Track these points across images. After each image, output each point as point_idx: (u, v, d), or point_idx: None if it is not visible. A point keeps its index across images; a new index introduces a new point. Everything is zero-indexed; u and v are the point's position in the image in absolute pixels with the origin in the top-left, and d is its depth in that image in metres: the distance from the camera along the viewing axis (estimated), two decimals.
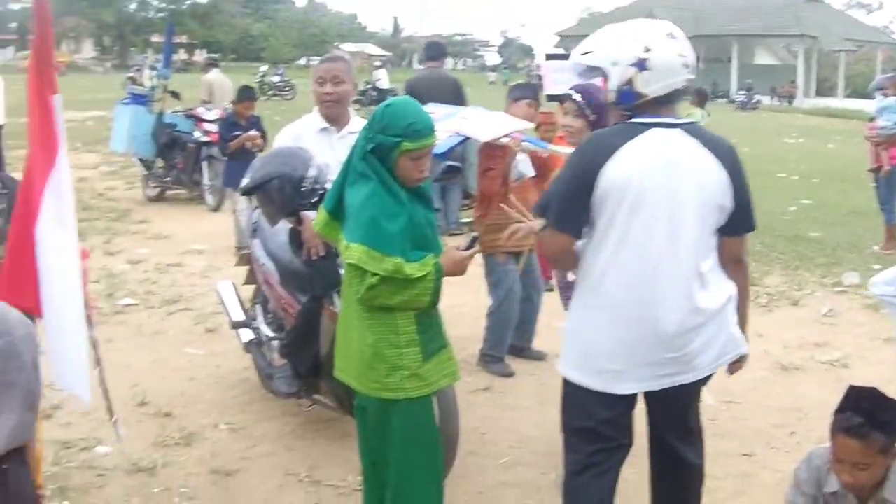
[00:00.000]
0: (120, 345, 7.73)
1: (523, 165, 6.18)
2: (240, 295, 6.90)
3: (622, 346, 3.87)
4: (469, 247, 4.29)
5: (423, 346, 4.11)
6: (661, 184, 3.75)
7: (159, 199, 15.55)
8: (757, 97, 53.63)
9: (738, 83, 58.68)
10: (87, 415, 6.10)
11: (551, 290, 6.91)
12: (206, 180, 14.82)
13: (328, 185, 4.60)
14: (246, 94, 12.24)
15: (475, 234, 4.69)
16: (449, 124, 6.50)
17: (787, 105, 56.75)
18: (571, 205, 3.84)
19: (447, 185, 11.86)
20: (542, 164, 6.88)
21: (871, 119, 13.47)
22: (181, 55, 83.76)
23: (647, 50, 3.74)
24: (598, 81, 3.97)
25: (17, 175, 5.26)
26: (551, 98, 7.74)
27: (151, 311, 8.94)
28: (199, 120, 15.01)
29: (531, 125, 7.13)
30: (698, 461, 4.32)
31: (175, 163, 15.18)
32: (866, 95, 31.64)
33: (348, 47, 72.32)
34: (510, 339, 7.47)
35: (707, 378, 4.04)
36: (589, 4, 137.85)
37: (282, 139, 5.88)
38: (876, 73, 42.78)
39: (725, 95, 58.01)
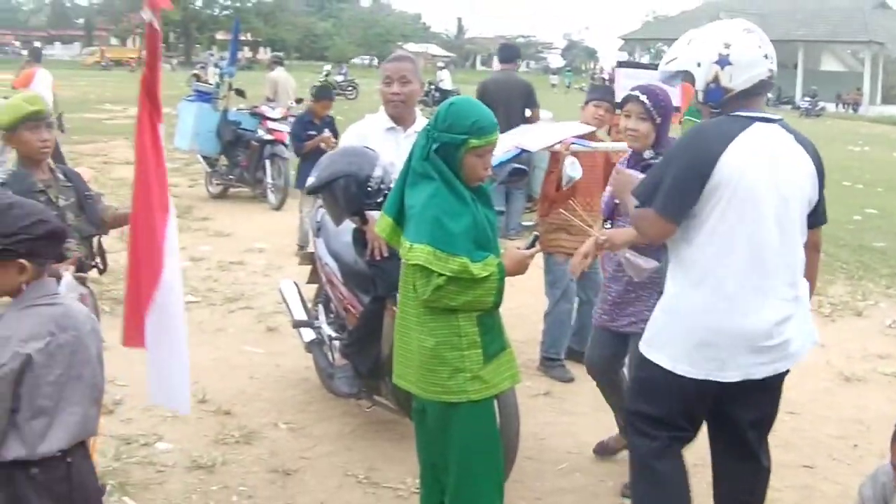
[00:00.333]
0: None
1: (570, 168, 6.13)
2: (302, 294, 6.89)
3: (727, 334, 3.94)
4: (530, 246, 4.27)
5: (485, 347, 4.06)
6: (769, 177, 3.87)
7: (222, 196, 15.61)
8: (822, 104, 53.11)
9: (802, 89, 58.15)
10: (147, 411, 6.13)
11: None
12: (268, 178, 14.85)
13: (393, 185, 4.57)
14: (324, 94, 12.20)
15: (536, 233, 4.64)
16: (507, 139, 6.48)
17: (853, 112, 56.20)
18: (682, 193, 3.91)
19: (512, 189, 11.81)
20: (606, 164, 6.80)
21: None
22: (245, 53, 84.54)
23: (727, 46, 3.91)
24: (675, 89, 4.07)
25: (78, 168, 5.30)
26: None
27: (213, 308, 8.97)
28: (263, 118, 15.03)
29: (591, 129, 7.02)
30: (768, 465, 4.37)
31: (238, 160, 15.21)
32: None
33: (411, 47, 72.51)
34: (569, 344, 7.42)
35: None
36: (654, 7, 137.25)
37: (348, 138, 5.88)
38: None
39: (790, 102, 57.52)
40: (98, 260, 5.05)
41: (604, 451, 5.85)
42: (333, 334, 6.34)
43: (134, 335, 4.22)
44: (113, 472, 5.40)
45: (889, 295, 10.41)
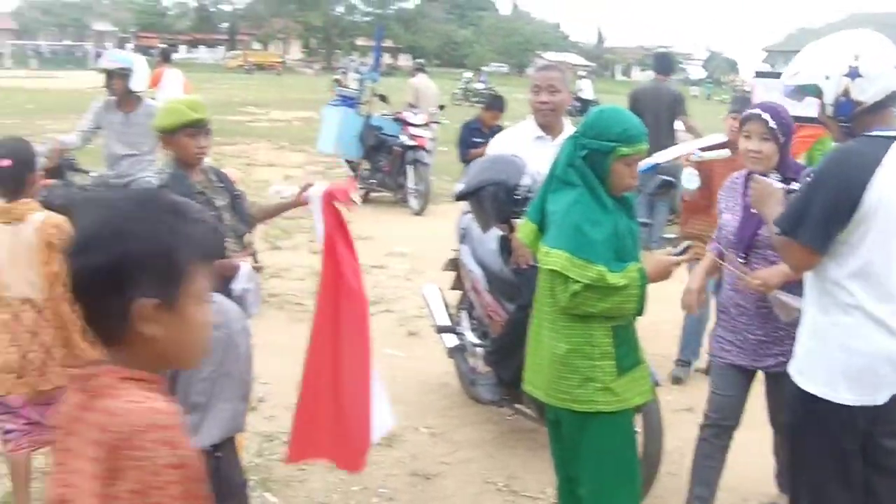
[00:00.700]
0: None
1: (686, 180, 6.05)
2: (446, 300, 6.92)
3: (882, 357, 3.83)
4: (681, 253, 4.22)
5: (619, 360, 4.01)
6: None
7: (364, 200, 15.73)
8: None
9: None
10: (289, 409, 6.19)
11: None
12: (410, 184, 14.99)
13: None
14: (496, 104, 12.18)
15: (689, 243, 4.56)
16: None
17: None
18: (830, 223, 3.76)
19: (656, 201, 11.69)
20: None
21: None
22: (386, 59, 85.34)
23: (857, 58, 3.75)
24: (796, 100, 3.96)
25: (224, 170, 5.40)
26: None
27: None
28: (405, 123, 15.16)
29: (722, 139, 6.93)
30: None
31: (380, 165, 15.35)
32: None
33: (550, 56, 72.35)
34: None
35: None
36: (799, 21, 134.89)
37: (496, 146, 5.89)
38: None
39: None
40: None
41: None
42: (476, 341, 6.35)
43: (301, 448, 4.49)
44: (255, 468, 5.50)
45: None
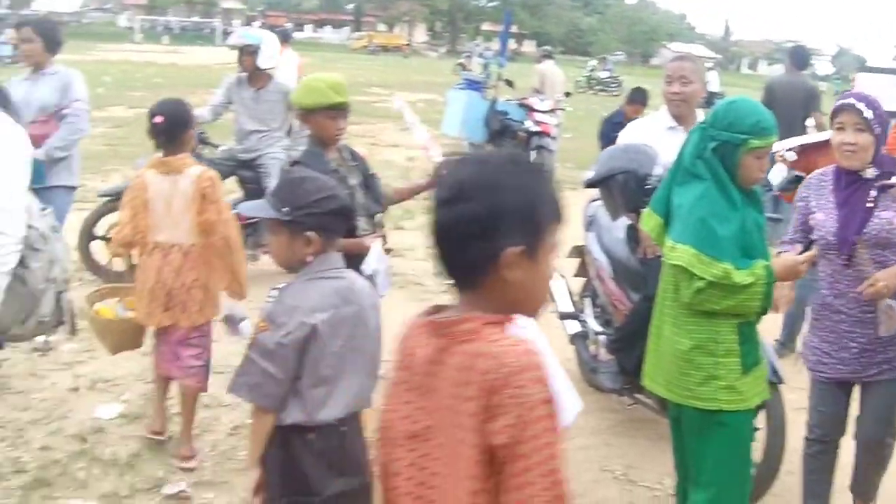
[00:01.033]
0: None
1: (772, 174, 5.96)
2: (569, 286, 6.92)
3: None
4: (804, 250, 4.16)
5: (743, 357, 3.96)
6: None
7: None
8: None
9: None
10: None
11: None
12: None
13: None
14: (638, 97, 12.06)
15: (812, 237, 4.49)
16: None
17: None
18: None
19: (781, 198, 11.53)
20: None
21: None
22: (511, 45, 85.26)
23: None
24: None
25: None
26: None
27: None
28: (530, 109, 15.15)
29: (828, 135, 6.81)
30: None
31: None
32: None
33: (676, 47, 71.39)
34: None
35: None
36: None
37: (628, 135, 5.88)
38: None
39: None
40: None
41: None
42: (599, 329, 6.36)
43: None
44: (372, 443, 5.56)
45: None
